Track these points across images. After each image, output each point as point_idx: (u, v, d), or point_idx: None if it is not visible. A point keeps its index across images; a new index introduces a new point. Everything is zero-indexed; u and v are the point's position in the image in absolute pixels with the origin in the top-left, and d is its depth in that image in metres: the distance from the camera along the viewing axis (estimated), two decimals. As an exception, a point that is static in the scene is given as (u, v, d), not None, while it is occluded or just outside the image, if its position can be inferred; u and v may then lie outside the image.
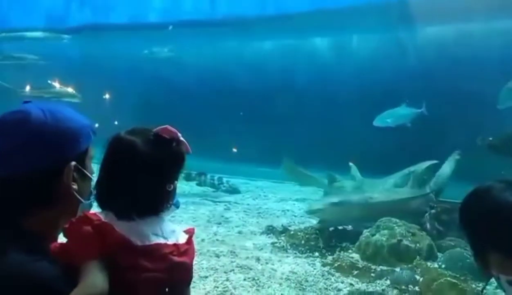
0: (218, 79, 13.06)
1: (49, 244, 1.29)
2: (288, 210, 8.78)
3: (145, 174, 1.37)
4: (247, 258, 6.05)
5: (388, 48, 11.87)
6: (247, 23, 11.90)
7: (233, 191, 10.16)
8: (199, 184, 10.15)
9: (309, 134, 11.58)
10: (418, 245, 5.91)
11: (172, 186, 1.43)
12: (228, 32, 12.43)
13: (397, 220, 6.29)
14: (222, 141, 11.43)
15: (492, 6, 8.98)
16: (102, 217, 1.34)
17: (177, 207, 1.61)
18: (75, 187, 1.33)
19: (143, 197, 1.37)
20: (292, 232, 7.01)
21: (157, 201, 1.41)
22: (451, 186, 9.27)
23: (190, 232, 1.50)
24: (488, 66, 9.49)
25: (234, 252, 6.25)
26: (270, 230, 7.25)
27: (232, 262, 5.86)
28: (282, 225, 7.48)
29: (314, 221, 7.32)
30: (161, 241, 1.37)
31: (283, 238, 6.87)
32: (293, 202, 9.50)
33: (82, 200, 1.37)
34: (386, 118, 9.67)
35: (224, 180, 10.36)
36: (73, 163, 1.31)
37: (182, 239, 1.45)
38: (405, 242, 5.86)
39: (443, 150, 8.20)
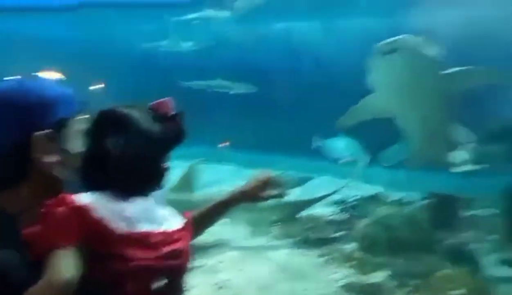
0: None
1: (22, 226, 1.16)
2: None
3: (143, 149, 1.27)
4: (238, 249, 5.87)
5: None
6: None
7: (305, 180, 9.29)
8: None
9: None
10: (415, 236, 5.80)
11: (167, 164, 1.35)
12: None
13: (394, 210, 6.19)
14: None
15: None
16: (86, 198, 1.19)
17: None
18: (49, 160, 1.20)
19: (140, 174, 1.28)
20: (285, 222, 6.83)
21: (155, 178, 1.33)
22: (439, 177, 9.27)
23: (186, 217, 1.41)
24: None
25: (224, 243, 6.04)
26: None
27: (223, 252, 5.68)
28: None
29: (307, 211, 7.17)
30: (151, 228, 1.25)
31: (276, 228, 6.70)
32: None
33: (59, 175, 1.23)
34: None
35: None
36: (43, 132, 1.18)
37: (176, 225, 1.34)
38: (402, 233, 5.75)
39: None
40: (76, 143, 1.28)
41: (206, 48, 11.84)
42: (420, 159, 7.06)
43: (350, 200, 8.18)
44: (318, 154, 9.16)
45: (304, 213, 7.21)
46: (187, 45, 12.19)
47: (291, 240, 6.24)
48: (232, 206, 1.65)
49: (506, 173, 7.35)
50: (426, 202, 6.71)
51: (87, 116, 1.31)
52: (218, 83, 11.24)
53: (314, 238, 6.30)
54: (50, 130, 1.20)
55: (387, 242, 5.66)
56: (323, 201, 8.21)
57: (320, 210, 7.67)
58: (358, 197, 8.37)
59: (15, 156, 1.18)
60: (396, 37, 5.42)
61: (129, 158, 1.25)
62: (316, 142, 9.16)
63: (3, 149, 1.18)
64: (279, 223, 6.83)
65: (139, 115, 1.29)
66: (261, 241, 6.26)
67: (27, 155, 1.19)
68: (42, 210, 1.16)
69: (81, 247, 1.14)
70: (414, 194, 8.77)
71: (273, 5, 10.40)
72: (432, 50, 5.73)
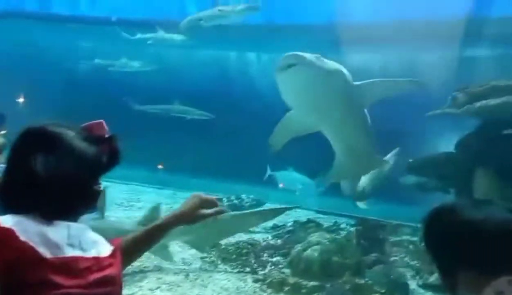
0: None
1: None
2: (218, 224, 8.55)
3: (74, 170, 1.21)
4: (175, 274, 5.72)
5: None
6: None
7: (258, 204, 9.04)
8: None
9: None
10: (347, 261, 6.02)
11: (100, 186, 1.30)
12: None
13: (328, 235, 6.38)
14: (147, 149, 10.90)
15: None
16: (7, 221, 1.11)
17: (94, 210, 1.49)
18: None
19: (70, 196, 1.22)
20: (222, 247, 6.80)
21: (86, 201, 1.28)
22: (378, 206, 9.79)
23: (115, 244, 1.34)
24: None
25: (161, 268, 5.88)
26: (199, 244, 6.95)
27: (158, 278, 5.50)
28: (211, 239, 7.22)
29: (244, 236, 7.18)
30: (78, 253, 1.19)
31: (213, 252, 6.63)
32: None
33: None
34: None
35: (244, 196, 9.13)
36: None
37: (106, 251, 1.28)
38: (335, 258, 5.94)
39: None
40: None
41: (156, 70, 11.68)
42: (343, 174, 7.14)
43: (288, 224, 8.34)
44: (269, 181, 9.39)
45: (241, 238, 7.22)
46: (137, 66, 11.96)
47: (228, 265, 6.21)
48: (169, 229, 1.61)
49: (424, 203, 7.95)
50: (357, 227, 6.99)
51: (4, 131, 1.25)
52: (175, 108, 11.11)
53: (251, 262, 6.31)
54: None
55: (321, 267, 5.82)
56: (261, 226, 8.31)
57: (257, 235, 7.74)
58: (294, 222, 8.57)
59: None
60: (291, 53, 5.33)
61: (59, 179, 1.18)
62: (268, 173, 9.49)
63: None
64: (214, 247, 6.79)
65: (72, 135, 1.24)
66: (194, 265, 6.14)
67: None
68: None
69: (2, 275, 1.06)
70: (346, 219, 9.19)
71: (227, 31, 10.54)
72: (329, 64, 5.65)
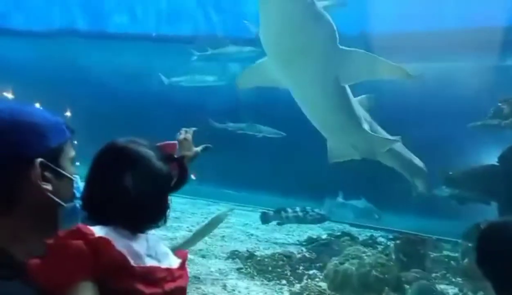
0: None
1: (23, 259, 1.12)
2: (252, 235, 8.57)
3: (153, 187, 1.29)
4: (213, 284, 5.76)
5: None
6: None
7: (322, 218, 8.72)
8: (281, 223, 8.53)
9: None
10: (386, 276, 5.88)
11: (170, 201, 1.38)
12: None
13: (365, 249, 6.27)
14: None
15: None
16: (100, 231, 1.18)
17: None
18: (46, 186, 1.17)
19: (148, 211, 1.29)
20: (258, 258, 6.79)
21: (162, 214, 1.34)
22: (405, 217, 9.56)
23: (183, 256, 1.39)
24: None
25: (199, 278, 5.93)
26: (235, 255, 6.99)
27: (197, 288, 5.55)
28: (247, 250, 7.25)
29: (279, 248, 7.16)
30: (155, 263, 1.25)
31: (249, 263, 6.64)
32: (256, 226, 9.31)
33: (59, 200, 1.21)
34: None
35: (308, 208, 8.81)
36: (39, 159, 1.16)
37: (175, 263, 1.34)
38: (374, 272, 5.82)
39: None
40: (69, 170, 1.26)
41: (228, 85, 11.44)
42: (340, 153, 6.74)
43: (322, 237, 8.27)
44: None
45: (276, 249, 7.20)
46: (210, 80, 12.01)
47: (264, 276, 6.19)
48: None
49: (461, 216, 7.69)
50: (396, 241, 6.83)
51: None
52: (248, 126, 10.94)
53: (287, 274, 6.28)
54: (44, 157, 1.18)
55: (359, 281, 5.71)
56: (295, 238, 8.29)
57: (292, 247, 7.70)
58: (328, 235, 8.49)
59: (8, 184, 1.15)
60: None
61: (140, 195, 1.25)
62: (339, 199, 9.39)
63: None
64: (250, 258, 6.79)
65: (151, 155, 1.31)
66: (231, 276, 6.16)
67: (23, 181, 1.15)
68: (52, 242, 1.12)
69: (95, 282, 1.11)
70: (382, 233, 9.02)
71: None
72: (320, 10, 5.10)
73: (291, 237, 8.69)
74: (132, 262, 1.17)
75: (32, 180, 1.15)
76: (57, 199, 1.20)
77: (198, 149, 2.15)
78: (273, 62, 5.39)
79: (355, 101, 6.14)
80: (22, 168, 1.15)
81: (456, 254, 7.04)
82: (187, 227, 8.51)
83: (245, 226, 9.30)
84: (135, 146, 1.32)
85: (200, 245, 7.55)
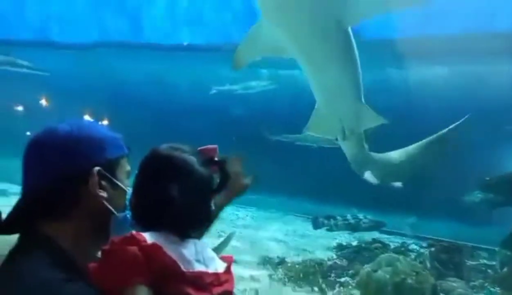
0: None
1: (83, 262, 1.19)
2: (282, 241, 8.53)
3: (199, 194, 1.32)
4: (245, 290, 5.76)
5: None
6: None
7: (377, 225, 8.51)
8: (330, 229, 8.44)
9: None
10: (422, 284, 5.75)
11: (213, 207, 1.40)
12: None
13: (399, 257, 6.14)
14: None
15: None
16: (151, 238, 1.21)
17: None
18: (102, 194, 1.27)
19: (195, 217, 1.32)
20: (289, 264, 6.76)
21: (208, 220, 1.38)
22: (441, 225, 9.30)
23: (229, 261, 1.40)
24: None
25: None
26: (266, 261, 6.97)
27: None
28: (277, 257, 7.22)
29: (310, 255, 7.10)
30: (203, 268, 1.27)
31: (280, 270, 6.61)
32: (285, 232, 9.27)
33: (112, 209, 1.29)
34: None
35: (361, 216, 8.64)
36: (97, 168, 1.26)
37: (221, 267, 1.35)
38: (409, 280, 5.69)
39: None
40: (124, 182, 1.33)
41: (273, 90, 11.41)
42: (324, 126, 6.12)
43: (353, 244, 8.16)
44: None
45: (307, 256, 7.15)
46: (263, 84, 11.82)
47: (296, 283, 6.15)
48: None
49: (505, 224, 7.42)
50: (430, 249, 6.67)
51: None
52: (303, 137, 10.34)
53: (319, 282, 6.21)
54: (102, 167, 1.27)
55: (394, 289, 5.60)
56: (325, 245, 8.20)
57: (322, 254, 7.63)
58: (359, 242, 8.36)
59: (69, 189, 1.24)
60: None
61: (186, 201, 1.28)
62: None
63: (59, 182, 1.23)
64: (280, 264, 6.76)
65: (193, 161, 1.34)
66: (266, 282, 6.15)
67: (82, 188, 1.25)
68: (108, 248, 1.17)
69: (150, 286, 1.14)
70: (414, 240, 8.82)
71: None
72: None
73: (320, 243, 8.61)
74: (182, 267, 1.20)
75: (90, 187, 1.24)
76: (111, 207, 1.28)
77: (247, 180, 1.81)
78: (267, 19, 4.88)
79: (359, 64, 5.41)
80: (83, 176, 1.24)
81: (494, 263, 6.82)
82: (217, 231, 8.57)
83: (275, 232, 9.28)
84: (178, 153, 1.34)
85: (230, 250, 7.59)
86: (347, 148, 6.95)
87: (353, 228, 8.27)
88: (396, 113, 7.58)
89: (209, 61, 12.47)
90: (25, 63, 11.88)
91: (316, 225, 8.42)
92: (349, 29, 5.04)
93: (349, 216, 8.45)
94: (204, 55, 12.52)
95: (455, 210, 9.10)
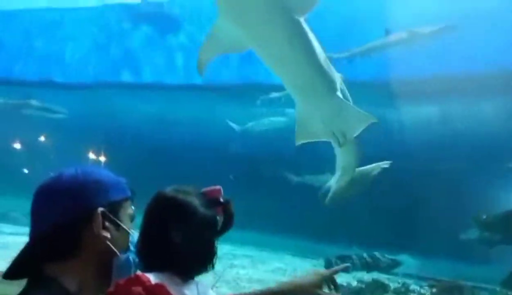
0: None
1: None
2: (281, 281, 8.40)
3: (200, 234, 1.37)
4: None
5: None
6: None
7: (394, 264, 8.20)
8: (345, 270, 8.38)
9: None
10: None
11: (217, 248, 1.45)
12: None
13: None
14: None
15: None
16: (155, 278, 1.27)
17: None
18: (106, 234, 1.31)
19: (198, 258, 1.37)
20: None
21: (211, 260, 1.42)
22: (440, 263, 9.21)
23: None
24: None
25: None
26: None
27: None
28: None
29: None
30: None
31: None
32: (284, 272, 9.15)
33: (115, 249, 1.32)
34: None
35: (377, 254, 8.27)
36: (101, 209, 1.31)
37: None
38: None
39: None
40: (127, 224, 1.38)
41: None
42: (309, 131, 5.89)
43: (353, 285, 8.04)
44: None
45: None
46: (283, 120, 11.72)
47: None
48: None
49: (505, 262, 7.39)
50: (432, 289, 6.60)
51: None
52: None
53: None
54: (105, 209, 1.32)
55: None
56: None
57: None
58: (358, 282, 8.25)
59: (73, 230, 1.29)
60: None
61: (189, 243, 1.34)
62: None
63: (63, 224, 1.29)
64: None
65: (197, 203, 1.40)
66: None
67: (86, 229, 1.30)
68: (113, 289, 1.22)
69: None
70: (415, 280, 8.71)
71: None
72: None
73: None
74: None
75: (94, 228, 1.29)
76: (114, 248, 1.32)
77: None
78: (224, 16, 4.86)
79: (325, 57, 5.29)
80: (86, 217, 1.29)
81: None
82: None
83: (273, 272, 9.16)
84: (181, 196, 1.40)
85: (230, 290, 7.46)
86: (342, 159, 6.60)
87: (371, 267, 8.04)
88: (392, 152, 7.68)
89: (207, 99, 12.67)
90: (44, 105, 12.08)
91: (329, 267, 8.23)
92: (302, 20, 4.91)
93: (365, 255, 8.19)
94: (203, 94, 12.71)
95: (454, 248, 9.04)
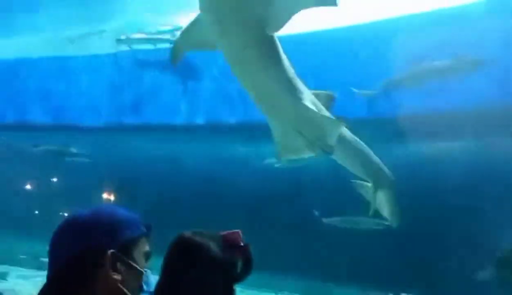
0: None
1: None
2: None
3: (217, 276, 1.37)
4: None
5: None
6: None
7: None
8: None
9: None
10: None
11: (235, 292, 1.43)
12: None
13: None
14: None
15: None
16: None
17: None
18: (116, 277, 1.30)
19: None
20: None
21: None
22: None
23: None
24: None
25: None
26: None
27: None
28: None
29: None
30: None
31: None
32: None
33: (127, 291, 1.31)
34: None
35: None
36: (111, 251, 1.30)
37: None
38: None
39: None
40: (141, 263, 1.37)
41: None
42: (288, 146, 5.78)
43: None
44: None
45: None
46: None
47: None
48: None
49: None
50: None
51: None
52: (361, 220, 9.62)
53: None
54: (117, 250, 1.32)
55: None
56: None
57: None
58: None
59: (82, 271, 1.29)
60: None
61: (204, 286, 1.35)
62: None
63: (75, 266, 1.29)
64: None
65: (212, 245, 1.40)
66: None
67: (93, 271, 1.29)
68: None
69: None
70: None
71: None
72: None
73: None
74: None
75: (104, 269, 1.29)
76: (125, 290, 1.30)
77: None
78: (204, 14, 4.90)
79: (289, 66, 5.30)
80: (97, 258, 1.29)
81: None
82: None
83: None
84: (199, 239, 1.41)
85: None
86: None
87: None
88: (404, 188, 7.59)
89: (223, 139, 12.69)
90: (81, 151, 12.34)
91: None
92: (274, 34, 5.04)
93: None
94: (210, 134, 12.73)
95: (469, 289, 8.65)
